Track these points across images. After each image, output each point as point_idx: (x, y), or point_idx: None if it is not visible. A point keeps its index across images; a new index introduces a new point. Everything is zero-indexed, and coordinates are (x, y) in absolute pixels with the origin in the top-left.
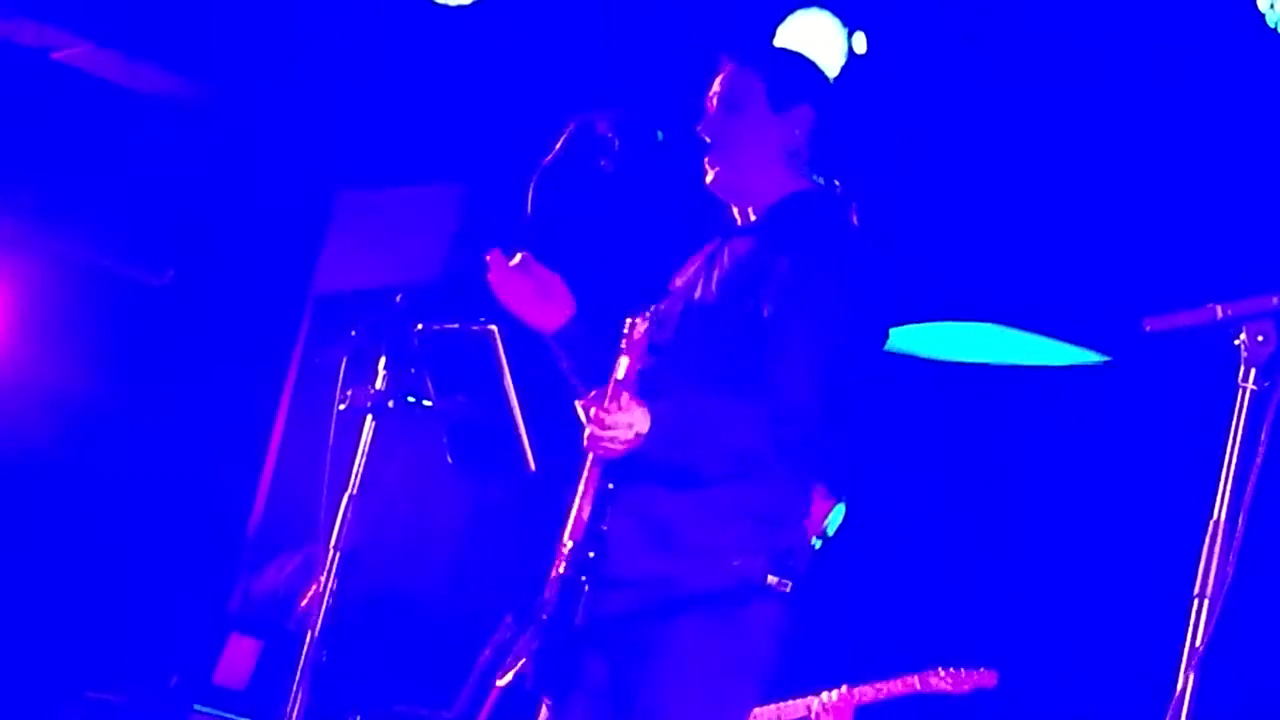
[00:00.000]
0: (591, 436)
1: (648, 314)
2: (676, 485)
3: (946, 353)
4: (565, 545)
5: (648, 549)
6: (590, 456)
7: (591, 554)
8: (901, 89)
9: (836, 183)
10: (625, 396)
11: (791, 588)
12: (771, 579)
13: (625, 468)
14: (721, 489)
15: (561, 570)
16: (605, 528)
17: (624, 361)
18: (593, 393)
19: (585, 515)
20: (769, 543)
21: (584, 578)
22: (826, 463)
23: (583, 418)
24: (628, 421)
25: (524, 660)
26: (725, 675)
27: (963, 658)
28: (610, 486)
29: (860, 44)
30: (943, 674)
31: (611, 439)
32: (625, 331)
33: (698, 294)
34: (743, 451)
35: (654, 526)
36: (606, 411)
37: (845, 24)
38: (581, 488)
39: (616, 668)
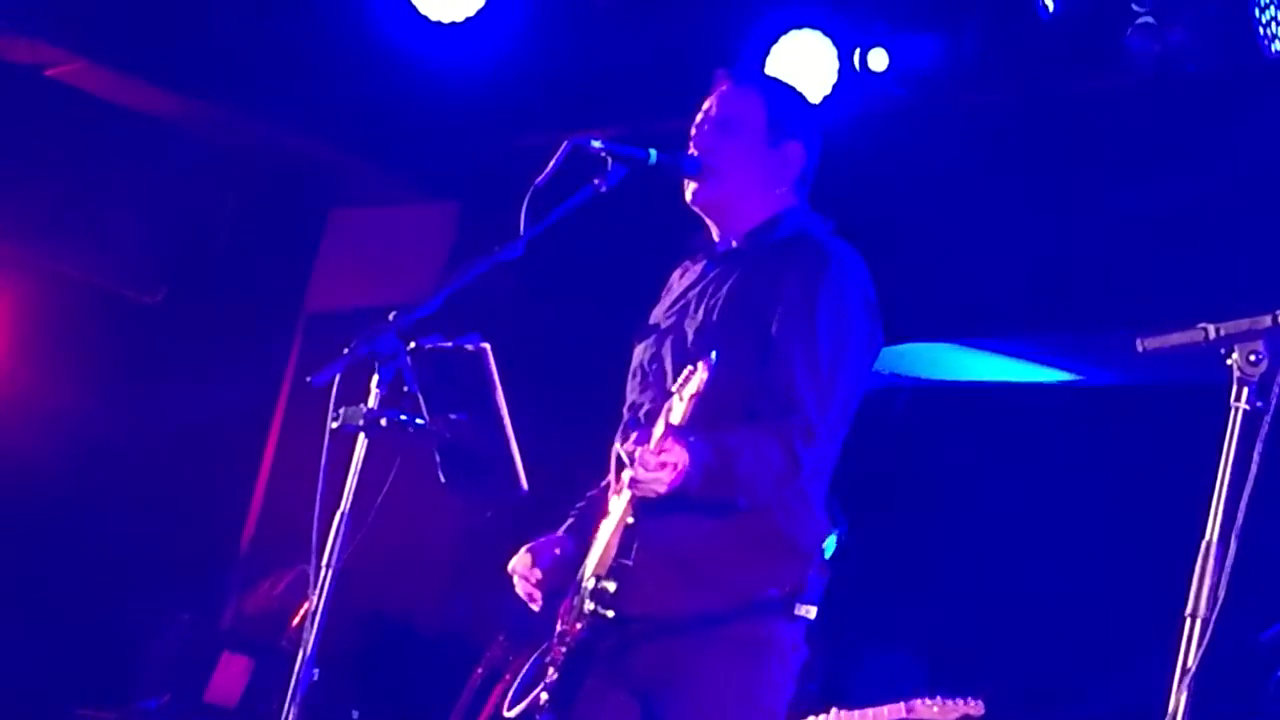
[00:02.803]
0: (637, 480)
1: (707, 362)
2: (707, 517)
3: (932, 373)
4: (588, 580)
5: (673, 583)
6: (625, 494)
7: (613, 589)
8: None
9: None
10: (670, 439)
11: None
12: (801, 609)
13: (653, 502)
14: (744, 520)
15: (588, 607)
16: (630, 563)
17: (680, 406)
18: (634, 434)
19: (612, 551)
20: (792, 572)
21: (610, 613)
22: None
23: (626, 459)
24: (674, 461)
25: (540, 692)
26: (753, 706)
27: (951, 683)
28: (630, 521)
29: (880, 61)
30: (930, 702)
31: (657, 480)
32: (683, 378)
33: (695, 323)
34: (778, 477)
35: (678, 560)
36: (655, 454)
37: (837, 44)
38: (611, 524)
39: (647, 703)
